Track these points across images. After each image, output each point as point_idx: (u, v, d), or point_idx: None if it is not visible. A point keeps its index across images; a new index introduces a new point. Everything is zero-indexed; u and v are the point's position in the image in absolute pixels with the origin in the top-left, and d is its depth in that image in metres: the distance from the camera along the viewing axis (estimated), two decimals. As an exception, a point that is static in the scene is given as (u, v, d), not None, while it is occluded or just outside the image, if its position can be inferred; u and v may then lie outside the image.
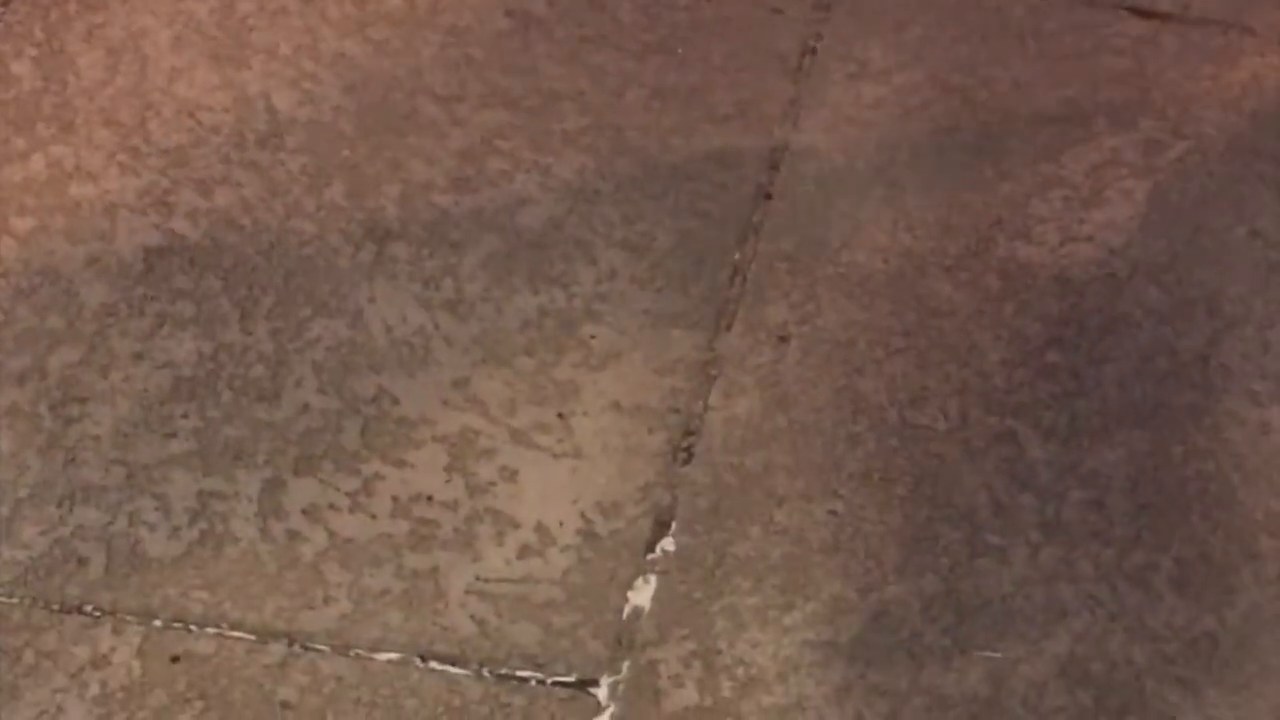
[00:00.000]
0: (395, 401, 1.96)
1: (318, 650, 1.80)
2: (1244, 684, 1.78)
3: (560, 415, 1.96)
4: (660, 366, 1.99)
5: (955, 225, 2.11)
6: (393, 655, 1.79)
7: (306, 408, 1.95)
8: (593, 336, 2.02)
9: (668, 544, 1.87)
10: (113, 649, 1.79)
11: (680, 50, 2.26)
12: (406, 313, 2.03)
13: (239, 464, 1.91)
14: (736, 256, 2.08)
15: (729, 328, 2.02)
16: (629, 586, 1.84)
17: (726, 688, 1.78)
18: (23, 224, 2.10)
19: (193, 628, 1.81)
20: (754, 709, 1.76)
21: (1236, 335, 2.02)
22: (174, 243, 2.08)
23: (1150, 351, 2.01)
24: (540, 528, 1.88)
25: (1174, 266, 2.08)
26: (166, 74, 2.22)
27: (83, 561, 1.85)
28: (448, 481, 1.91)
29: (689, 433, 1.94)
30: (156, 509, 1.88)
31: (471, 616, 1.82)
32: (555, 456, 1.93)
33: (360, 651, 1.80)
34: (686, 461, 1.93)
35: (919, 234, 2.10)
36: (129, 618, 1.81)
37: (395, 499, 1.89)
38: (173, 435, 1.93)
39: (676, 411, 1.96)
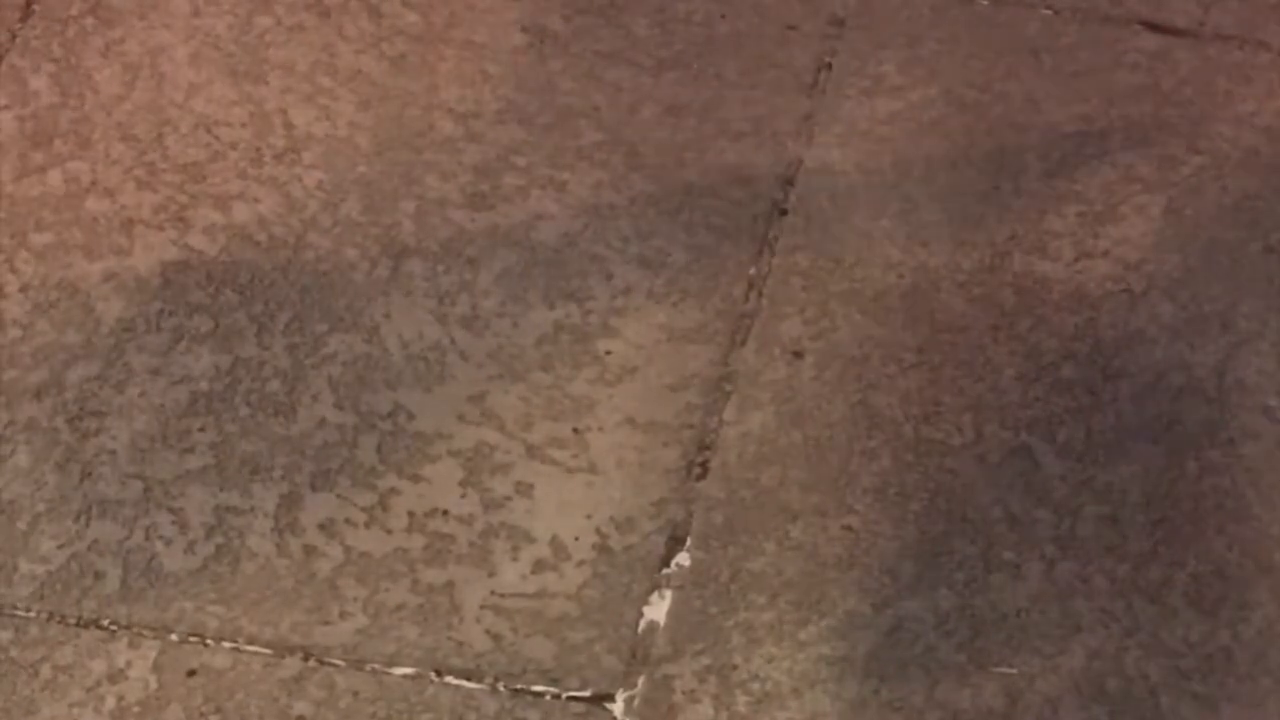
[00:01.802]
0: (411, 417, 1.97)
1: (333, 665, 1.80)
2: (1260, 700, 1.78)
3: (575, 430, 1.96)
4: (675, 382, 2.00)
5: (969, 241, 2.11)
6: (408, 670, 1.80)
7: (323, 423, 1.96)
8: (608, 352, 2.02)
9: (682, 559, 1.87)
10: (129, 663, 1.80)
11: (695, 66, 2.26)
12: (422, 328, 2.04)
13: (255, 479, 1.92)
14: (751, 272, 2.08)
15: (744, 343, 2.02)
16: (644, 601, 1.84)
17: (742, 703, 1.78)
18: (40, 239, 2.10)
19: (209, 642, 1.81)
20: (769, 724, 1.76)
21: (1251, 351, 2.02)
22: (191, 258, 2.09)
23: (1165, 367, 2.01)
24: (555, 543, 1.88)
25: (1189, 282, 2.08)
26: (184, 90, 2.23)
27: (99, 576, 1.85)
28: (463, 496, 1.91)
29: (704, 448, 1.94)
30: (173, 524, 1.89)
31: (487, 631, 1.82)
32: (570, 471, 1.93)
33: (376, 666, 1.80)
34: (701, 477, 1.93)
35: (933, 249, 2.10)
36: (145, 632, 1.82)
37: (411, 514, 1.90)
38: (189, 450, 1.94)
39: (691, 427, 1.96)
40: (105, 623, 1.82)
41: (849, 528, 1.89)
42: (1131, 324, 2.04)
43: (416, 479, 1.92)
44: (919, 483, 1.91)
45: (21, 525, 1.88)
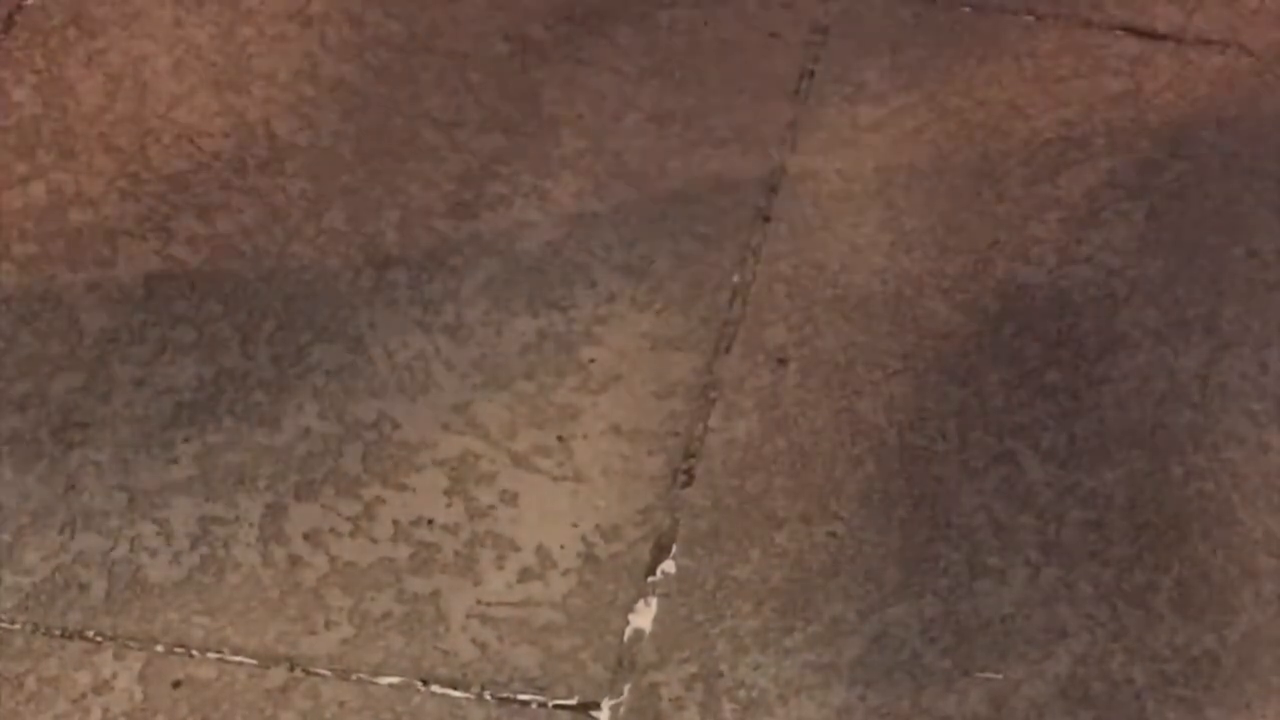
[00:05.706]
0: (396, 426, 1.97)
1: (319, 675, 1.80)
2: (1245, 704, 1.78)
3: (560, 438, 1.96)
4: (660, 389, 2.00)
5: (953, 247, 2.11)
6: (394, 679, 1.80)
7: (307, 433, 1.96)
8: (592, 360, 2.02)
9: (668, 567, 1.87)
10: (114, 674, 1.79)
11: (678, 74, 2.26)
12: (406, 337, 2.03)
13: (240, 489, 1.92)
14: (735, 279, 2.08)
15: (728, 350, 2.02)
16: (630, 609, 1.84)
17: (728, 710, 1.78)
18: (23, 250, 2.10)
19: (194, 653, 1.81)
20: (755, 731, 1.76)
21: (1234, 355, 2.02)
22: (174, 268, 2.09)
23: (1149, 372, 2.01)
24: (541, 551, 1.88)
25: (1171, 287, 2.08)
26: (166, 100, 2.23)
27: (84, 587, 1.85)
28: (448, 505, 1.91)
29: (689, 455, 1.94)
30: (158, 534, 1.88)
31: (473, 640, 1.82)
32: (555, 480, 1.93)
33: (362, 676, 1.80)
34: (686, 484, 1.93)
35: (917, 256, 2.10)
36: (130, 643, 1.81)
37: (396, 523, 1.90)
38: (174, 461, 1.94)
39: (676, 434, 1.96)
40: (90, 634, 1.82)
41: (834, 534, 1.89)
42: (1115, 329, 2.05)
43: (401, 488, 1.92)
44: (904, 489, 1.92)
45: (6, 537, 1.88)
